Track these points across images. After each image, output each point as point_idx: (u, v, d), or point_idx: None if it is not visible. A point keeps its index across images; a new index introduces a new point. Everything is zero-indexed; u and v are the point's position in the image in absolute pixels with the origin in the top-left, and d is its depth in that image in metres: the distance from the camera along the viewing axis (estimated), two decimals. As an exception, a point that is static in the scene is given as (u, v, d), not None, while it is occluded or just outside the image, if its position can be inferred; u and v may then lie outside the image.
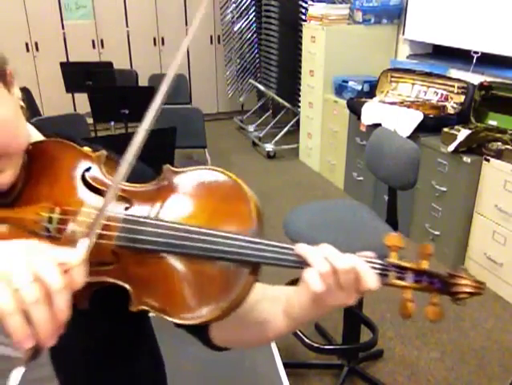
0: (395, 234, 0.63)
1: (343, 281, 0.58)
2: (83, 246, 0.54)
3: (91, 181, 0.67)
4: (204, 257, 0.59)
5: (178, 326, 0.78)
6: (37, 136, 0.73)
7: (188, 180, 0.65)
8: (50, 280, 0.47)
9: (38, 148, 0.68)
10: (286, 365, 1.57)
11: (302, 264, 0.59)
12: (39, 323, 0.46)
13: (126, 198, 0.65)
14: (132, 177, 0.62)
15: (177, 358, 1.42)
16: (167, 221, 0.61)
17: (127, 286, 0.61)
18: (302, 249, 0.59)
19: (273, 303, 0.71)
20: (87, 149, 0.69)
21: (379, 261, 0.60)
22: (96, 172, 0.67)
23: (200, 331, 0.76)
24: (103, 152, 0.68)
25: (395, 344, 2.31)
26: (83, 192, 0.66)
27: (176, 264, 0.61)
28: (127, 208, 0.64)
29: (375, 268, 0.60)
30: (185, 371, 1.48)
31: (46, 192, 0.66)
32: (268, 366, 1.55)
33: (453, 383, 2.10)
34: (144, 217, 0.62)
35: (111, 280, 0.61)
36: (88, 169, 0.67)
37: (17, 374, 0.48)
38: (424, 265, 0.61)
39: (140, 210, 0.64)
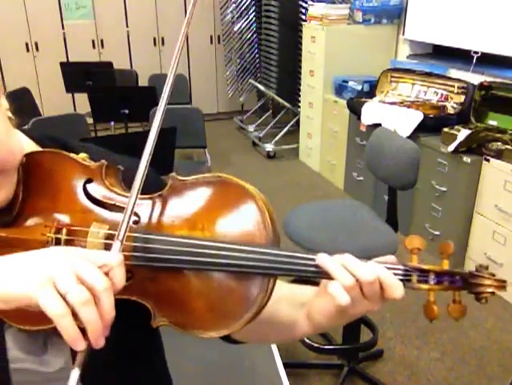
0: (416, 236, 0.62)
1: (367, 291, 0.57)
2: (117, 248, 0.55)
3: (94, 195, 0.64)
4: (222, 271, 0.58)
5: None
6: (28, 144, 0.70)
7: (197, 188, 0.62)
8: (95, 281, 0.48)
9: (33, 160, 0.65)
10: (286, 365, 1.57)
11: (322, 274, 0.58)
12: (89, 323, 0.47)
13: (135, 212, 0.63)
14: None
15: (177, 359, 1.42)
16: (180, 236, 0.59)
17: (145, 303, 0.60)
18: (323, 260, 0.58)
19: (292, 306, 0.71)
20: (83, 155, 0.66)
21: (402, 267, 0.59)
22: (99, 185, 0.65)
23: None
24: (103, 162, 0.65)
25: (395, 344, 2.31)
26: (87, 207, 0.64)
27: (194, 279, 0.59)
28: (136, 222, 0.62)
29: (397, 274, 0.59)
30: (185, 372, 1.48)
31: (48, 208, 0.64)
32: (268, 366, 1.55)
33: (453, 383, 2.10)
34: (157, 234, 0.60)
35: (129, 297, 0.60)
36: (90, 181, 0.65)
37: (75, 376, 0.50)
38: (445, 265, 0.60)
39: (149, 224, 0.62)
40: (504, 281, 0.60)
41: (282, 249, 0.58)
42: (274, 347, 1.61)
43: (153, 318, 0.60)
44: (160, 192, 0.63)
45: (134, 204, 0.58)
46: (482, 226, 2.72)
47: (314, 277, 0.58)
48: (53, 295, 0.47)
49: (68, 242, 0.61)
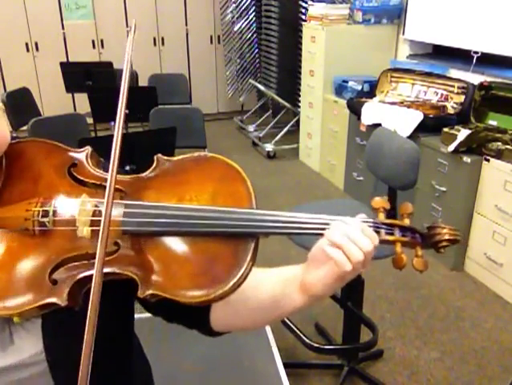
0: (380, 198, 0.70)
1: (367, 259, 0.64)
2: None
3: (79, 176, 0.66)
4: (209, 234, 0.60)
5: (174, 320, 0.76)
6: None
7: (183, 165, 0.66)
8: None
9: (16, 148, 0.67)
10: (286, 365, 1.57)
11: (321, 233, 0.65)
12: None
13: (120, 189, 0.64)
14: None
15: (177, 358, 1.43)
16: (168, 204, 0.62)
17: (131, 274, 0.61)
18: (334, 236, 0.63)
19: (279, 280, 0.73)
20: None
21: (372, 220, 0.67)
22: (84, 166, 0.67)
23: (200, 318, 0.76)
24: (88, 148, 0.68)
25: (395, 344, 2.31)
26: (72, 186, 0.65)
27: (181, 244, 0.61)
28: (122, 198, 0.64)
29: (369, 226, 0.66)
30: (185, 371, 1.48)
31: (31, 189, 0.65)
32: (268, 366, 1.55)
33: (453, 383, 2.10)
34: (146, 201, 0.63)
35: (115, 269, 0.60)
36: (74, 165, 0.67)
37: None
38: (407, 222, 0.68)
39: (137, 198, 0.64)
40: (457, 230, 0.69)
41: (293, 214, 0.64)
42: (274, 347, 1.61)
43: (140, 288, 0.60)
44: (146, 171, 0.66)
45: (113, 181, 0.59)
46: (482, 226, 2.72)
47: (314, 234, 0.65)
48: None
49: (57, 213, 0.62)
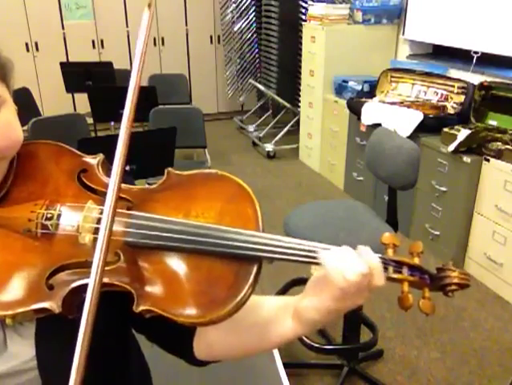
0: (390, 233, 0.67)
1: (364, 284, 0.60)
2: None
3: (87, 181, 0.65)
4: (213, 253, 0.59)
5: (156, 341, 0.75)
6: None
7: (193, 180, 0.65)
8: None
9: (28, 148, 0.67)
10: (286, 365, 1.56)
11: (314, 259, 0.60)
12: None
13: (127, 199, 0.64)
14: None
15: (176, 359, 1.42)
16: (174, 218, 0.61)
17: (128, 287, 0.60)
18: (332, 263, 0.59)
19: (277, 309, 0.71)
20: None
21: (380, 256, 0.63)
22: (94, 173, 0.66)
23: (184, 341, 0.74)
24: (101, 155, 0.68)
25: (395, 344, 2.31)
26: (79, 192, 0.65)
27: (182, 261, 0.60)
28: (129, 208, 0.63)
29: None
30: (184, 371, 1.48)
31: (39, 191, 0.64)
32: (268, 366, 1.55)
33: (453, 383, 2.10)
34: (153, 214, 0.62)
35: (113, 281, 0.59)
36: (85, 170, 0.67)
37: None
38: (417, 261, 0.65)
39: (144, 210, 0.63)
40: (467, 274, 0.65)
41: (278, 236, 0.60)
42: (274, 347, 1.61)
43: (136, 303, 0.59)
44: (154, 184, 0.65)
45: (116, 187, 0.58)
46: (482, 226, 2.72)
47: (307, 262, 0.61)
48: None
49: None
